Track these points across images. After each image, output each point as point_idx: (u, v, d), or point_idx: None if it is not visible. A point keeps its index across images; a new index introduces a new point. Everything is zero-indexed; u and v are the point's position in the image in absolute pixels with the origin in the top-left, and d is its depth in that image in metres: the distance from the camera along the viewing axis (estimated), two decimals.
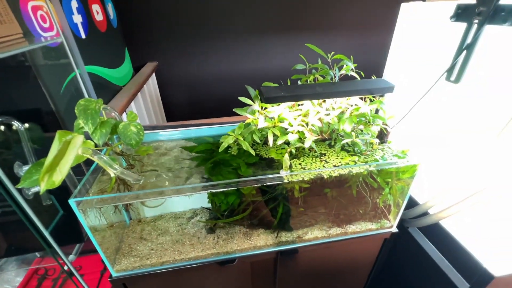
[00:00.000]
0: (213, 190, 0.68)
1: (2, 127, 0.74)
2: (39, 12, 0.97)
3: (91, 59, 1.35)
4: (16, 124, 0.76)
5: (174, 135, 0.93)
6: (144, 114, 1.77)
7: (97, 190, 0.66)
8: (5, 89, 0.77)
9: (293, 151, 0.78)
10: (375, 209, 0.89)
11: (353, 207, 0.88)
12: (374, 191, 0.83)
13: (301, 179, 0.70)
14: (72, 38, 1.01)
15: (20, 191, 0.74)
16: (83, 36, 1.29)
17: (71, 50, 1.02)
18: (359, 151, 0.79)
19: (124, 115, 1.38)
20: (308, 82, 0.81)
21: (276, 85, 0.80)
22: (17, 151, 0.78)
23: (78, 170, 0.93)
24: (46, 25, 0.99)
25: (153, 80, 2.09)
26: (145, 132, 0.76)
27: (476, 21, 0.69)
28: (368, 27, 2.26)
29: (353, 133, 0.75)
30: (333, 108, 0.77)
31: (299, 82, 0.84)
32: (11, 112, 0.76)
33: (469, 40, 0.72)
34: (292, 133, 0.73)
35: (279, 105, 0.75)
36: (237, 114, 0.75)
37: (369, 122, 0.78)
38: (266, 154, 0.80)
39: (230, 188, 0.68)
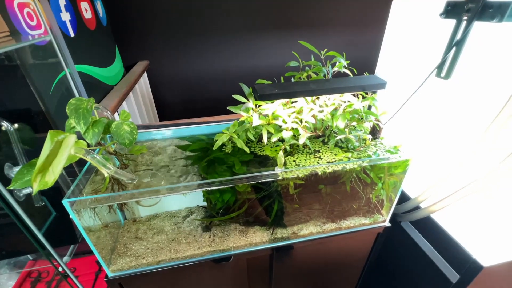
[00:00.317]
0: (208, 188, 0.67)
1: None
2: (26, 10, 0.95)
3: (81, 58, 1.33)
4: (5, 125, 0.75)
5: (168, 134, 0.93)
6: (136, 113, 1.76)
7: (91, 190, 0.65)
8: None
9: (288, 148, 0.78)
10: (368, 204, 0.90)
11: (347, 203, 0.89)
12: (367, 187, 0.84)
13: (295, 176, 0.71)
14: (60, 36, 0.99)
15: (11, 192, 0.72)
16: (72, 34, 1.27)
17: (60, 48, 1.00)
18: (352, 147, 0.80)
19: (116, 115, 1.37)
20: (302, 79, 0.81)
21: (270, 82, 0.81)
22: (7, 152, 0.76)
23: (70, 171, 0.92)
24: (33, 23, 0.97)
25: (144, 79, 2.07)
26: (138, 131, 0.76)
27: (465, 17, 0.70)
28: (360, 24, 2.28)
29: (346, 130, 0.76)
30: (326, 105, 0.78)
31: (292, 80, 0.84)
32: None
33: (458, 36, 0.73)
34: (287, 130, 0.73)
35: (273, 102, 0.76)
36: (231, 112, 0.76)
37: (362, 118, 0.79)
38: (260, 152, 0.80)
39: (225, 186, 0.68)
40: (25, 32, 0.92)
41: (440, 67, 0.79)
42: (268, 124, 0.75)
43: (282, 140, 0.81)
